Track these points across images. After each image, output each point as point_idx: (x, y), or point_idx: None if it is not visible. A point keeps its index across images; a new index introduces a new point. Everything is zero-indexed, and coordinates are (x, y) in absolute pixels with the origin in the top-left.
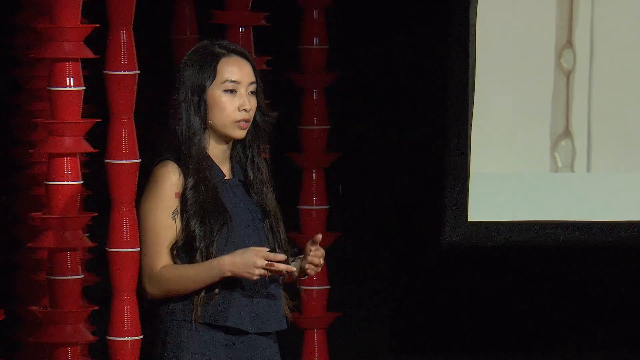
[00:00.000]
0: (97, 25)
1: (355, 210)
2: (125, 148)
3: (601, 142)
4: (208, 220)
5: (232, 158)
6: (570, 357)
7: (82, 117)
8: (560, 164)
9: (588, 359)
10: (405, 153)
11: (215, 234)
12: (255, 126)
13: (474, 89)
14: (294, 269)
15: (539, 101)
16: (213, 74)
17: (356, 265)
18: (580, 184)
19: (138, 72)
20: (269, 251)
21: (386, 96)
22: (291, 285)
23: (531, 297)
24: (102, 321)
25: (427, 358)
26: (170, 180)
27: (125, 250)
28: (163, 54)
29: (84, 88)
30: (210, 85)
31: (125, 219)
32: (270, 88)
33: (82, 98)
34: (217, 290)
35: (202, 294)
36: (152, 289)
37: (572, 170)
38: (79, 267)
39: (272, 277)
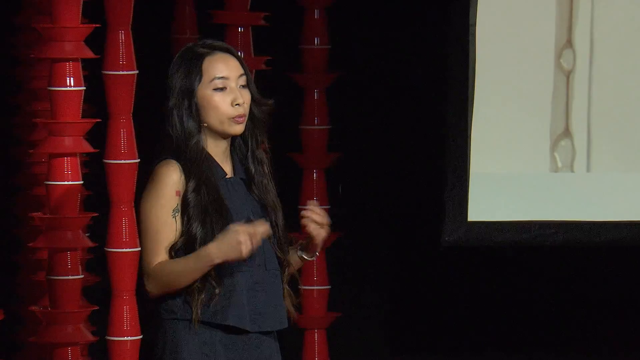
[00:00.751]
0: (97, 25)
1: (355, 210)
2: (124, 148)
3: (601, 142)
4: (209, 222)
5: (233, 155)
6: (570, 357)
7: (82, 117)
8: (560, 164)
9: (588, 359)
10: (405, 153)
11: (215, 236)
12: (252, 118)
13: (474, 89)
14: (270, 229)
15: (539, 101)
16: (199, 75)
17: (356, 265)
18: (580, 183)
19: (137, 72)
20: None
21: (386, 96)
22: (294, 284)
23: (531, 297)
24: (102, 321)
25: (426, 358)
26: (171, 179)
27: (124, 250)
28: (163, 54)
29: (84, 88)
30: (198, 86)
31: (125, 219)
32: (270, 88)
33: (82, 98)
34: (217, 290)
35: (202, 294)
36: (150, 287)
37: (572, 170)
38: (79, 267)
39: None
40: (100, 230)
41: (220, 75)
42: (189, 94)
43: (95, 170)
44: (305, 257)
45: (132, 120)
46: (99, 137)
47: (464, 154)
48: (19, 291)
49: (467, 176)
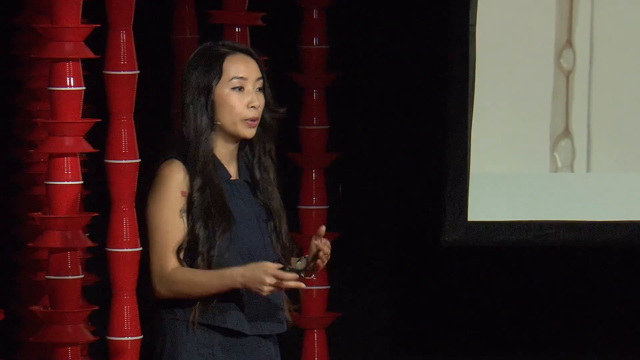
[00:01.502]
0: (98, 25)
1: (355, 210)
2: (125, 148)
3: (601, 142)
4: (211, 224)
5: (239, 158)
6: (570, 357)
7: (82, 117)
8: (560, 164)
9: (588, 358)
10: (405, 153)
11: (217, 239)
12: (262, 124)
13: (474, 89)
14: (304, 285)
15: (539, 101)
16: (219, 73)
17: (356, 265)
18: (580, 184)
19: (138, 72)
20: (280, 268)
21: (386, 96)
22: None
23: (531, 297)
24: (102, 321)
25: (427, 358)
26: (176, 180)
27: (125, 250)
28: (163, 54)
29: (84, 88)
30: (217, 84)
31: (125, 219)
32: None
33: (82, 98)
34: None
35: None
36: (161, 289)
37: (572, 170)
38: (79, 267)
39: None
40: (100, 230)
41: (240, 76)
42: (207, 91)
43: (95, 170)
44: (303, 276)
45: (133, 120)
46: (99, 137)
47: (464, 154)
48: (19, 291)
49: (467, 176)
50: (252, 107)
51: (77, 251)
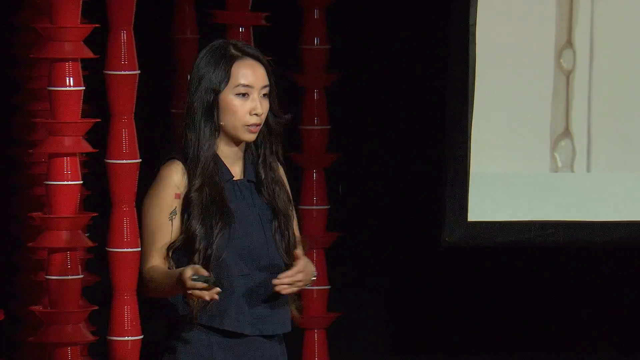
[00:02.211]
0: (97, 25)
1: (355, 210)
2: (125, 148)
3: (601, 142)
4: (209, 222)
5: (245, 158)
6: (570, 357)
7: (82, 117)
8: (560, 164)
9: (588, 358)
10: (405, 153)
11: (215, 237)
12: (267, 126)
13: (474, 89)
14: (216, 297)
15: (539, 101)
16: (227, 77)
17: (356, 265)
18: (580, 183)
19: (138, 72)
20: (194, 277)
21: (386, 96)
22: None
23: (531, 297)
24: (102, 321)
25: (427, 358)
26: (172, 181)
27: (125, 250)
28: (163, 54)
29: (84, 88)
30: (224, 88)
31: (126, 219)
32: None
33: (82, 98)
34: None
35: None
36: (143, 287)
37: (572, 170)
38: (79, 267)
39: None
40: (100, 230)
41: (246, 83)
42: (213, 93)
43: (95, 170)
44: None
45: (133, 120)
46: (99, 137)
47: (464, 154)
48: (19, 291)
49: (467, 176)
50: (254, 114)
51: (77, 251)
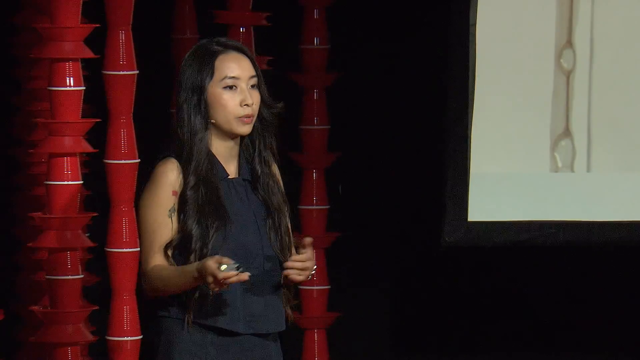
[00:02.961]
0: (97, 25)
1: (355, 210)
2: (124, 148)
3: (601, 142)
4: (205, 221)
5: (241, 155)
6: (570, 357)
7: (82, 117)
8: (560, 164)
9: (588, 358)
10: (405, 153)
11: (210, 236)
12: (261, 120)
13: (474, 89)
14: (246, 277)
15: (539, 101)
16: (211, 72)
17: (356, 265)
18: (580, 183)
19: (137, 72)
20: (220, 266)
21: (386, 96)
22: (294, 285)
23: (531, 297)
24: (102, 321)
25: (427, 358)
26: (168, 179)
27: (124, 250)
28: (163, 54)
29: (84, 88)
30: (209, 83)
31: (125, 219)
32: (270, 88)
33: (82, 98)
34: (211, 293)
35: (196, 294)
36: (145, 287)
37: (572, 170)
38: (79, 267)
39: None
40: (100, 230)
41: (232, 75)
42: (199, 90)
43: (95, 170)
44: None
45: (132, 120)
46: (99, 137)
47: (464, 154)
48: (19, 291)
49: (467, 176)
50: (245, 105)
51: (77, 251)
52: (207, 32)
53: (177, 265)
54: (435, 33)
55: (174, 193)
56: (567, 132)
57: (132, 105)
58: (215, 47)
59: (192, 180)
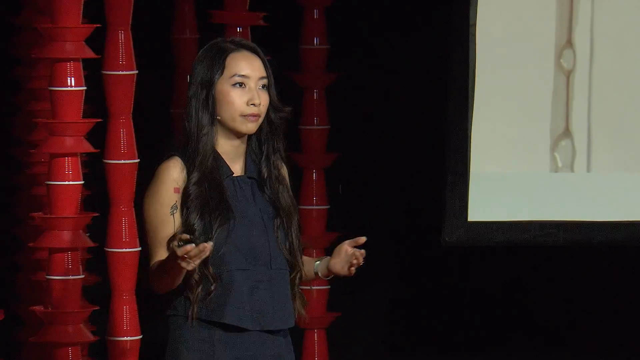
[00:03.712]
0: (98, 25)
1: (355, 210)
2: (124, 148)
3: (601, 142)
4: (208, 216)
5: (247, 155)
6: (570, 357)
7: (83, 117)
8: (560, 164)
9: (588, 358)
10: (405, 153)
11: (214, 232)
12: (269, 123)
13: (474, 89)
14: (208, 246)
15: (539, 101)
16: (221, 69)
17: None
18: (580, 184)
19: (136, 72)
20: (180, 244)
21: (386, 96)
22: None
23: (531, 297)
24: (102, 321)
25: (426, 358)
26: (171, 176)
27: (124, 250)
28: (163, 54)
29: (84, 88)
30: (218, 79)
31: (125, 219)
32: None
33: (83, 98)
34: (212, 286)
35: (199, 290)
36: (150, 284)
37: (572, 170)
38: (79, 267)
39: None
40: (100, 230)
41: (242, 73)
42: (208, 85)
43: (95, 170)
44: (320, 276)
45: (132, 120)
46: (99, 137)
47: (464, 154)
48: (19, 291)
49: (467, 176)
50: (252, 104)
51: (78, 251)
52: (207, 32)
53: None
54: (435, 33)
55: (176, 190)
56: (567, 132)
57: (132, 105)
58: (229, 45)
59: (196, 175)
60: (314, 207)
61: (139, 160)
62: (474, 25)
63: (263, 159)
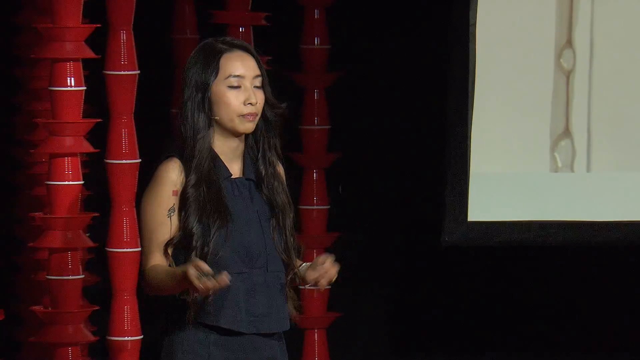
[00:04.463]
0: (98, 25)
1: (355, 210)
2: (125, 148)
3: (601, 142)
4: (206, 219)
5: (245, 155)
6: (569, 357)
7: (83, 117)
8: (560, 164)
9: (588, 358)
10: (405, 153)
11: (212, 235)
12: (265, 120)
13: (474, 89)
14: (226, 281)
15: (539, 101)
16: (216, 70)
17: (356, 265)
18: (580, 184)
19: (138, 72)
20: (199, 275)
21: (386, 96)
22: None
23: (531, 297)
24: (102, 321)
25: (426, 358)
26: (169, 178)
27: (125, 250)
28: (163, 54)
29: (84, 88)
30: (213, 81)
31: (125, 219)
32: (270, 88)
33: (83, 98)
34: (211, 292)
35: (195, 293)
36: (144, 285)
37: (572, 170)
38: (79, 267)
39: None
40: (100, 230)
41: (236, 74)
42: (204, 87)
43: (95, 170)
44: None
45: (133, 120)
46: (99, 137)
47: (464, 154)
48: (19, 291)
49: (467, 176)
50: (249, 104)
51: (78, 251)
52: (207, 32)
53: (177, 263)
54: (435, 33)
55: (175, 193)
56: (567, 132)
57: (133, 105)
58: (221, 45)
59: (193, 178)
60: (314, 207)
61: (140, 160)
62: (474, 25)
63: (259, 156)
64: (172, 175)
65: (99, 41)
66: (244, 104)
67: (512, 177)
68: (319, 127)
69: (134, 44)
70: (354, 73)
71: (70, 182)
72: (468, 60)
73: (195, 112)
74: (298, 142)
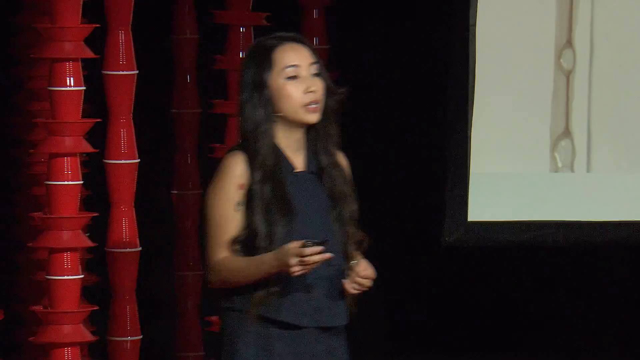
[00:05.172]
0: (97, 25)
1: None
2: (124, 148)
3: (601, 142)
4: (271, 217)
5: (308, 147)
6: (570, 357)
7: (82, 117)
8: (560, 164)
9: (588, 358)
10: (405, 153)
11: (277, 234)
12: (324, 109)
13: (474, 89)
14: (329, 256)
15: (539, 101)
16: (270, 65)
17: None
18: (580, 184)
19: (137, 72)
20: (301, 246)
21: (386, 96)
22: None
23: (531, 297)
24: (102, 321)
25: (426, 358)
26: (235, 172)
27: (124, 250)
28: (163, 54)
29: (84, 88)
30: (270, 76)
31: (125, 219)
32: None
33: (83, 98)
34: (272, 289)
35: (259, 287)
36: (212, 278)
37: (572, 170)
38: (79, 267)
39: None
40: (100, 230)
41: (292, 64)
42: (261, 85)
43: (95, 170)
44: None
45: (132, 120)
46: (99, 137)
47: (464, 154)
48: (19, 291)
49: (467, 176)
50: (309, 92)
51: (77, 251)
52: (207, 32)
53: None
54: (435, 33)
55: (241, 186)
56: (567, 132)
57: (132, 105)
58: (271, 41)
59: (258, 175)
60: None
61: (139, 160)
62: (474, 25)
63: (320, 147)
64: (239, 168)
65: (98, 41)
66: (305, 93)
67: (512, 177)
68: None
69: (132, 44)
70: (354, 73)
71: (70, 182)
72: (468, 60)
73: (255, 109)
74: None
